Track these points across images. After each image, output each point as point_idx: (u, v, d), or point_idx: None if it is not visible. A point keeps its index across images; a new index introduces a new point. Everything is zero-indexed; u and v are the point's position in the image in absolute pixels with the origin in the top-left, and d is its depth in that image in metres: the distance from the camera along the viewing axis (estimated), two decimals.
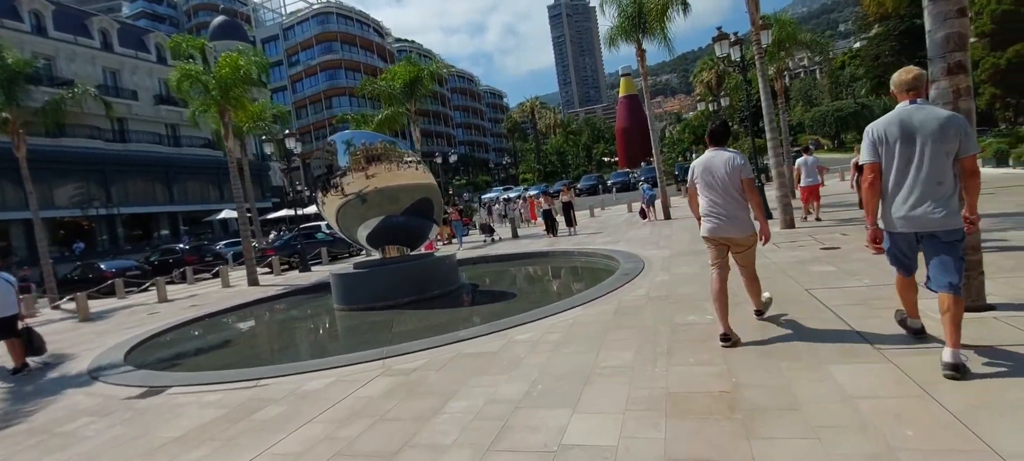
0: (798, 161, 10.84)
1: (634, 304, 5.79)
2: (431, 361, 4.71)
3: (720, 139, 4.23)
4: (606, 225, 17.80)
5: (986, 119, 50.03)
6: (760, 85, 10.17)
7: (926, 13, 4.06)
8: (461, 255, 14.58)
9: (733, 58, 12.89)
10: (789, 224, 10.00)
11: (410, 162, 9.20)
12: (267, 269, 17.78)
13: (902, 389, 2.88)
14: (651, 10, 15.45)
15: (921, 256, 3.30)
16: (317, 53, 73.57)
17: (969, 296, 3.81)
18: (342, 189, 9.16)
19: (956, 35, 3.91)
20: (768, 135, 10.18)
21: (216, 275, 18.24)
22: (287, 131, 18.34)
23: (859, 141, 3.60)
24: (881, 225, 3.28)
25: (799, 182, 10.66)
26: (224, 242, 26.65)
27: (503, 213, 20.54)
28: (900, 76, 3.23)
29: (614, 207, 26.95)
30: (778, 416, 2.77)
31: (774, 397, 3.00)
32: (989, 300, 4.03)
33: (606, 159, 76.64)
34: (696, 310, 5.19)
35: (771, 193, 12.45)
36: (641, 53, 17.01)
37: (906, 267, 3.37)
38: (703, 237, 4.26)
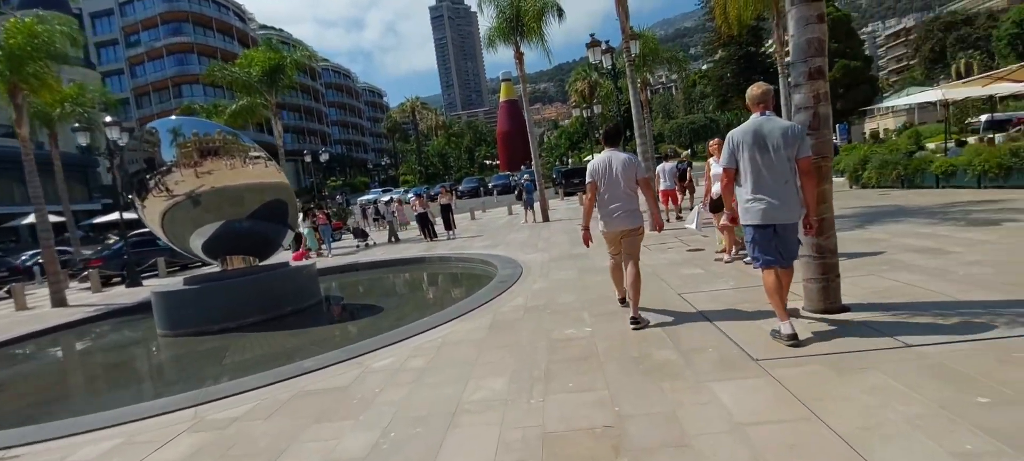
0: (657, 168, 11.43)
1: (510, 317, 5.30)
2: (260, 405, 3.74)
3: (614, 140, 4.61)
4: (486, 228, 17.43)
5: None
6: (631, 92, 10.42)
7: (789, 18, 4.08)
8: (329, 263, 13.20)
9: (604, 66, 13.23)
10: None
11: (256, 158, 7.85)
12: (87, 285, 14.62)
13: (789, 410, 2.66)
14: (528, 12, 15.41)
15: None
16: (163, 34, 64.51)
17: (828, 299, 4.10)
18: (168, 189, 7.53)
19: (816, 40, 3.95)
20: (637, 141, 10.46)
21: (8, 295, 14.60)
22: (107, 119, 15.25)
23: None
24: (742, 217, 3.76)
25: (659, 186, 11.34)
26: (32, 252, 21.69)
27: (379, 216, 19.17)
28: (752, 91, 3.71)
29: (495, 209, 26.83)
30: (668, 458, 2.38)
31: (661, 430, 2.63)
32: (843, 301, 4.19)
33: (488, 162, 77.31)
34: (575, 322, 4.83)
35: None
36: (519, 55, 16.95)
37: (770, 259, 3.67)
38: (602, 232, 4.69)
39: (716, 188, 6.57)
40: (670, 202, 11.41)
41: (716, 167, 6.45)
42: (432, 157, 73.35)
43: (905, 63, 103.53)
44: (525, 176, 17.66)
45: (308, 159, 30.71)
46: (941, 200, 9.92)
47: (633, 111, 10.24)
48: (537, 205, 17.36)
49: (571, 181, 32.10)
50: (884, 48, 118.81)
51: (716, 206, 6.86)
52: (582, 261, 8.07)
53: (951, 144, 16.89)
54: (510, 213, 21.91)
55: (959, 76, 64.53)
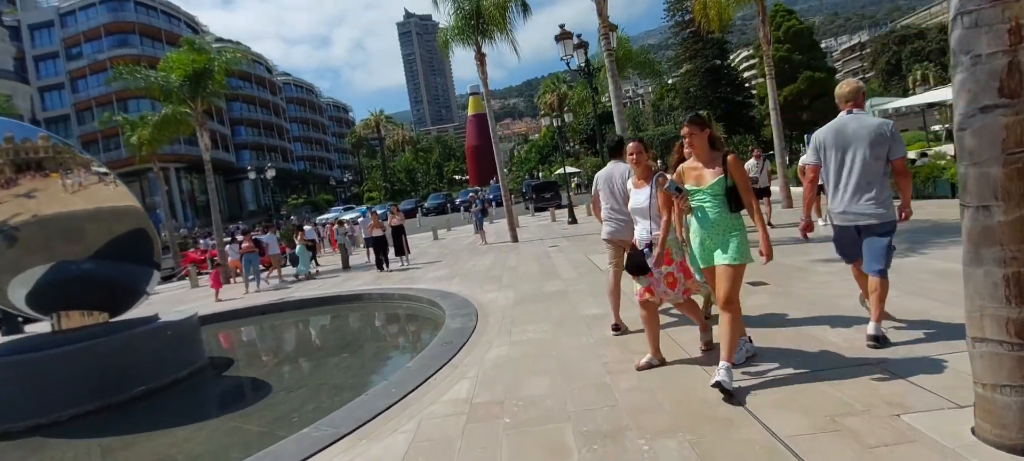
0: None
1: (442, 434, 3.20)
2: None
3: (617, 153, 4.61)
4: (447, 251, 15.34)
5: (768, 146, 59.70)
6: (611, 88, 8.59)
7: None
8: (246, 301, 10.87)
9: (576, 64, 11.45)
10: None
11: (99, 175, 5.60)
12: None
13: None
14: (490, 6, 13.55)
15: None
16: (107, 45, 60.52)
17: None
18: None
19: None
20: None
21: None
22: None
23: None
24: (816, 219, 4.34)
25: None
26: None
27: (319, 238, 16.74)
28: (840, 89, 3.67)
29: (461, 228, 24.76)
30: None
31: None
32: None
33: (457, 177, 75.22)
34: (552, 453, 2.77)
35: None
36: (481, 57, 15.08)
37: (849, 255, 3.73)
38: (604, 239, 4.73)
39: None
40: None
41: None
42: (398, 173, 70.80)
43: (862, 76, 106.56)
44: (470, 194, 15.66)
45: (251, 176, 27.85)
46: None
47: (615, 110, 8.43)
48: (503, 223, 15.40)
49: (541, 196, 30.34)
50: (841, 62, 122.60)
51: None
52: (558, 304, 6.09)
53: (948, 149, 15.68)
54: (476, 232, 19.87)
55: (917, 86, 66.39)
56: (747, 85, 72.02)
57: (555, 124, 23.65)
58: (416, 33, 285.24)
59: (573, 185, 46.68)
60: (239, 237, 13.46)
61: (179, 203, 58.37)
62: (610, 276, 4.75)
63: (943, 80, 64.26)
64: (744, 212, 3.21)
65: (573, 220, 19.95)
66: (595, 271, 7.88)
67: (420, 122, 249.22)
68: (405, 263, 12.74)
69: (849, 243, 3.64)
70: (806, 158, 3.84)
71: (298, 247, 14.34)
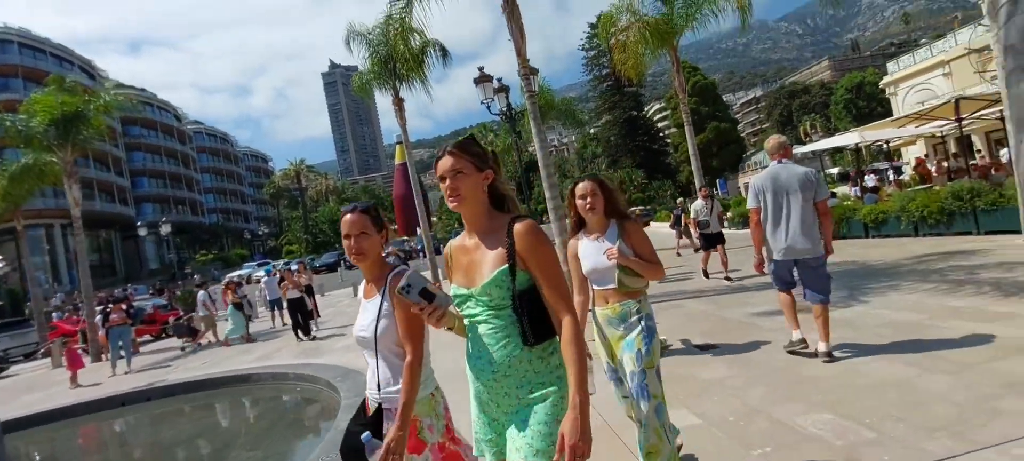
0: None
1: None
2: None
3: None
4: None
5: (686, 191, 63.17)
6: (534, 131, 8.00)
7: None
8: (106, 388, 8.93)
9: (496, 110, 10.92)
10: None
11: None
12: None
13: None
14: (403, 54, 12.86)
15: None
16: None
17: None
18: None
19: None
20: (546, 193, 7.96)
21: None
22: None
23: None
24: (764, 255, 4.22)
25: None
26: None
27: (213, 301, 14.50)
28: (769, 143, 4.24)
29: None
30: None
31: None
32: None
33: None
34: None
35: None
36: (398, 102, 14.31)
37: (786, 285, 4.21)
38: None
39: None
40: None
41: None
42: (321, 224, 67.40)
43: (759, 127, 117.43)
44: (390, 247, 14.52)
45: (143, 233, 24.75)
46: (899, 254, 8.45)
47: (539, 154, 7.78)
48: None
49: None
50: (740, 114, 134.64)
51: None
52: None
53: (851, 190, 16.66)
54: None
55: (806, 137, 73.61)
56: (662, 134, 76.62)
57: None
58: (342, 83, 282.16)
59: None
60: (110, 307, 11.31)
61: (64, 264, 51.59)
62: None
63: (828, 131, 71.99)
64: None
65: None
66: None
67: (347, 171, 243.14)
68: (316, 330, 11.09)
69: (786, 274, 4.14)
70: (749, 203, 4.23)
71: (230, 308, 12.26)
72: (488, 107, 10.49)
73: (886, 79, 36.18)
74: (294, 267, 14.87)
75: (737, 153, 65.00)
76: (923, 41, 55.50)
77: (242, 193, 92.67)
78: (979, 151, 25.49)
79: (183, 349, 12.16)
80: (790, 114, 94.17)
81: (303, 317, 10.46)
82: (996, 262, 6.56)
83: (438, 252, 42.86)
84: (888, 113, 39.21)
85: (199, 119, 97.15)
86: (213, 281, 14.84)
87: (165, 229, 24.81)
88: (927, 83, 32.25)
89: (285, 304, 11.08)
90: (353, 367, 6.75)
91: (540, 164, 7.92)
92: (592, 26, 70.78)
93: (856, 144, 14.92)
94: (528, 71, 8.44)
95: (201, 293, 14.05)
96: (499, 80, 11.05)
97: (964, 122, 9.99)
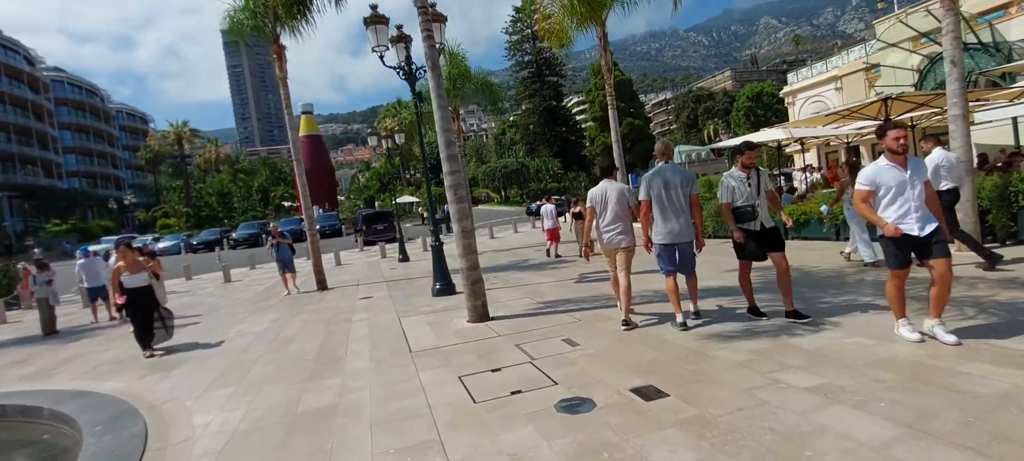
0: (541, 208, 13.45)
1: None
2: None
3: (610, 173, 5.50)
4: (225, 302, 11.33)
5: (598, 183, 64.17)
6: (433, 90, 6.14)
7: None
8: None
9: (392, 62, 8.86)
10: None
11: None
12: None
13: None
14: None
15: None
16: None
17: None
18: None
19: None
20: (445, 170, 6.16)
21: None
22: None
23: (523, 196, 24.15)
24: (653, 238, 5.04)
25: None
26: None
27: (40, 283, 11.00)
28: (659, 147, 5.26)
29: (270, 265, 20.11)
30: None
31: None
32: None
33: (286, 203, 66.82)
34: None
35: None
36: (278, 50, 11.77)
37: (671, 264, 5.00)
38: (601, 249, 5.48)
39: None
40: (553, 239, 13.14)
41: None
42: (208, 196, 60.16)
43: (668, 127, 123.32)
44: (265, 226, 11.99)
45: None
46: (836, 261, 7.66)
47: (437, 116, 5.94)
48: (307, 266, 11.97)
49: (373, 227, 26.83)
50: (652, 114, 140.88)
51: None
52: (312, 444, 3.28)
53: None
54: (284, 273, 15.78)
55: (710, 139, 77.94)
56: (579, 127, 77.28)
57: (384, 145, 20.65)
58: (246, 44, 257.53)
59: (421, 214, 43.65)
60: None
61: None
62: (612, 278, 5.56)
63: (730, 134, 76.75)
64: None
65: (404, 257, 17.12)
66: (400, 355, 5.20)
67: (247, 141, 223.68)
68: (165, 328, 7.99)
69: (669, 257, 4.98)
70: (640, 196, 5.02)
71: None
72: (381, 58, 8.43)
73: (785, 89, 38.24)
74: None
75: (649, 149, 67.11)
76: (808, 61, 60.27)
77: (114, 156, 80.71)
78: (863, 160, 27.27)
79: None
80: (696, 117, 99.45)
81: (150, 316, 6.88)
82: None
83: (338, 231, 38.58)
84: (783, 121, 41.48)
85: (62, 66, 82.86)
86: (39, 263, 11.30)
87: None
88: (821, 96, 34.38)
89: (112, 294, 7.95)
90: (135, 404, 4.58)
91: (438, 130, 6.10)
92: (517, 9, 69.49)
93: (779, 141, 14.62)
94: (431, 19, 6.53)
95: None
96: (400, 28, 8.99)
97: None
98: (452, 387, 3.99)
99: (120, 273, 6.78)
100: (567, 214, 17.14)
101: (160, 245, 31.92)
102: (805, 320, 4.62)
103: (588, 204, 5.45)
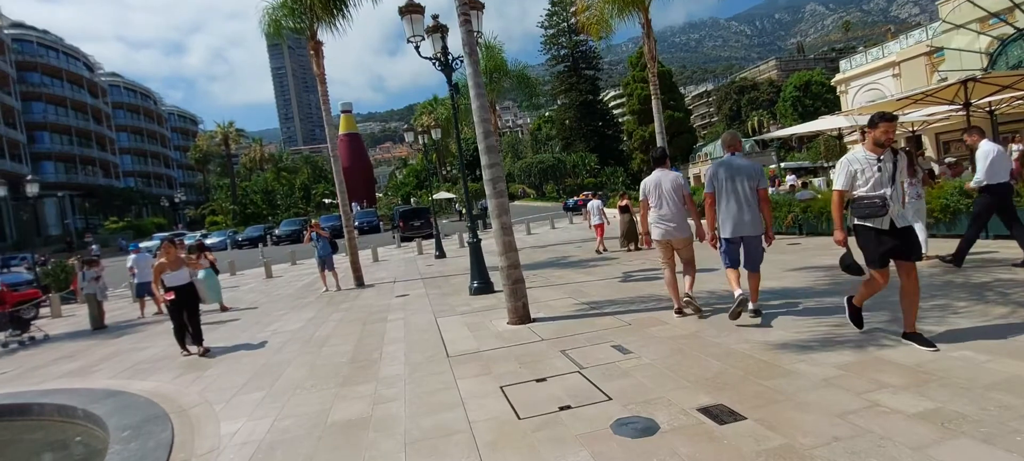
0: (589, 204, 13.23)
1: None
2: None
3: (661, 161, 5.33)
4: (263, 300, 11.38)
5: (637, 180, 62.72)
6: (470, 76, 5.78)
7: None
8: None
9: (428, 53, 8.57)
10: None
11: None
12: None
13: None
14: None
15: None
16: None
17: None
18: None
19: None
20: (484, 160, 5.80)
21: None
22: None
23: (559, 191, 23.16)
24: (719, 232, 4.81)
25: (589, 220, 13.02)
26: None
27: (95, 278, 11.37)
28: (725, 138, 5.00)
29: (311, 261, 20.39)
30: None
31: None
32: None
33: (327, 200, 68.41)
34: None
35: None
36: (315, 46, 11.72)
37: (734, 261, 4.81)
38: (655, 240, 5.27)
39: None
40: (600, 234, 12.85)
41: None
42: (253, 194, 62.13)
43: (709, 120, 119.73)
44: (301, 223, 11.88)
45: (30, 190, 20.41)
46: None
47: (474, 105, 5.59)
48: (344, 264, 11.90)
49: (410, 224, 26.88)
50: (692, 106, 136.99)
51: None
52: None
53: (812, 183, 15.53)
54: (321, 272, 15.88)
55: (754, 132, 75.00)
56: (616, 121, 75.79)
57: (421, 141, 20.51)
58: (287, 46, 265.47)
59: (459, 210, 43.68)
60: None
61: None
62: (666, 273, 5.33)
63: (778, 125, 73.61)
64: None
65: (441, 254, 16.96)
66: (437, 360, 4.88)
67: (290, 141, 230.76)
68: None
69: (734, 252, 4.82)
70: (706, 188, 4.87)
71: (203, 272, 9.38)
72: (417, 49, 8.15)
73: (838, 77, 36.24)
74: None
75: (689, 142, 65.03)
76: (859, 48, 56.71)
77: (166, 156, 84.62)
78: (926, 152, 25.41)
79: (4, 345, 9.23)
80: (739, 109, 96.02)
81: (192, 315, 6.53)
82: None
83: (376, 228, 39.11)
84: (834, 110, 39.34)
85: (118, 71, 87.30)
86: (87, 260, 11.73)
87: (32, 189, 20.48)
88: (877, 83, 32.35)
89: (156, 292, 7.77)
90: (160, 408, 4.43)
91: (475, 120, 5.75)
92: (553, 2, 68.67)
93: (840, 129, 13.60)
94: (468, 6, 6.17)
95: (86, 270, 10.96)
96: (436, 18, 8.69)
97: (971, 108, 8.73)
98: (493, 400, 3.62)
99: (162, 270, 6.60)
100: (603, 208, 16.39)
101: (208, 241, 33.16)
102: (930, 347, 3.59)
103: (641, 195, 5.27)
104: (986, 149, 5.81)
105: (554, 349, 4.66)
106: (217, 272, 11.37)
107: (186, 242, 16.20)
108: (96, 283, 10.66)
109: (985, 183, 5.78)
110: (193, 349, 6.57)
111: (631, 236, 12.35)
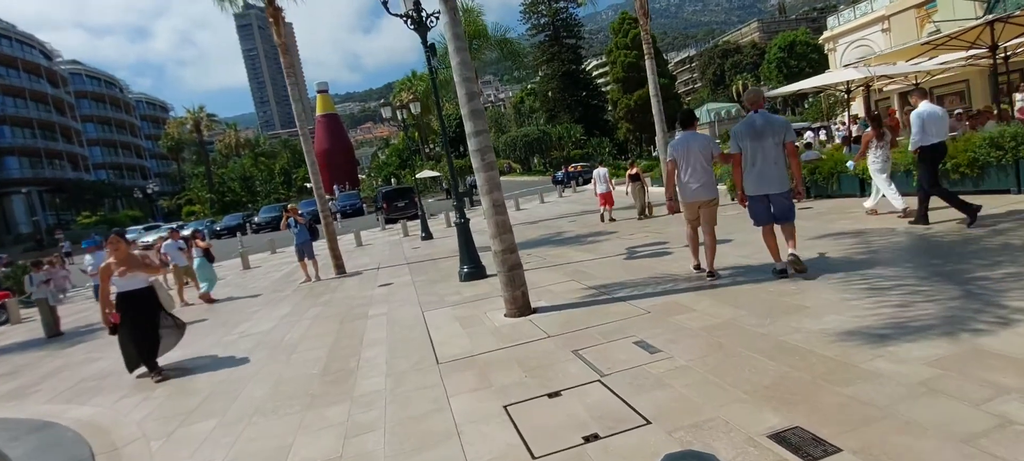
0: (594, 172, 12.52)
1: None
2: None
3: (689, 123, 5.31)
4: (240, 292, 10.47)
5: (623, 149, 61.82)
6: (448, 33, 4.86)
7: None
8: None
9: (398, 8, 7.56)
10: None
11: None
12: None
13: None
14: None
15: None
16: None
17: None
18: None
19: None
20: (469, 128, 4.94)
21: None
22: None
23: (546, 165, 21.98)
24: (746, 190, 4.90)
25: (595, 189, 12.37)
26: None
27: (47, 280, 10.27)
28: (748, 96, 5.04)
29: (290, 247, 19.37)
30: None
31: None
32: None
33: (308, 185, 66.60)
34: None
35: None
36: (274, 13, 10.58)
37: (764, 218, 4.87)
38: (684, 202, 5.26)
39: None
40: (606, 203, 12.08)
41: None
42: (231, 181, 60.16)
43: (692, 86, 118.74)
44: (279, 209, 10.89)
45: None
46: (943, 218, 6.24)
47: (455, 61, 4.70)
48: (324, 251, 11.00)
49: (394, 205, 25.86)
50: (676, 72, 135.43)
51: None
52: None
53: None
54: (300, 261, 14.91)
55: (738, 96, 74.34)
56: (601, 91, 74.49)
57: (400, 117, 19.37)
58: (257, 26, 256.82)
59: (445, 188, 42.45)
60: None
61: None
62: (688, 230, 5.44)
63: (766, 87, 73.03)
64: None
65: (427, 235, 16.09)
66: (425, 368, 4.10)
67: (268, 125, 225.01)
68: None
69: (763, 210, 4.85)
70: (730, 148, 4.94)
71: (198, 259, 10.25)
72: (385, 4, 7.16)
73: (825, 35, 35.46)
74: (149, 239, 11.04)
75: (674, 109, 63.89)
76: (839, 6, 55.83)
77: (138, 146, 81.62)
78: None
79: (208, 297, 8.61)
80: (723, 73, 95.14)
81: (147, 332, 5.23)
82: None
83: (360, 211, 37.75)
84: (820, 70, 38.69)
85: (78, 59, 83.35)
86: (35, 262, 10.80)
87: None
88: (866, 39, 31.68)
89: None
90: (86, 436, 3.60)
91: (457, 80, 4.86)
92: None
93: (848, 82, 12.79)
94: None
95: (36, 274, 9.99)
96: None
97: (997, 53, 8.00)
98: (497, 426, 2.86)
99: (110, 273, 5.14)
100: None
101: (184, 232, 31.68)
102: None
103: (668, 156, 5.26)
104: (918, 111, 6.00)
105: (564, 349, 3.90)
106: (212, 260, 10.64)
107: (182, 232, 15.02)
108: (47, 286, 9.69)
109: (920, 145, 5.95)
110: (156, 376, 5.13)
111: (642, 206, 11.77)
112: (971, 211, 5.63)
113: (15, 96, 58.13)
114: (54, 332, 9.52)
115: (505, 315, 5.11)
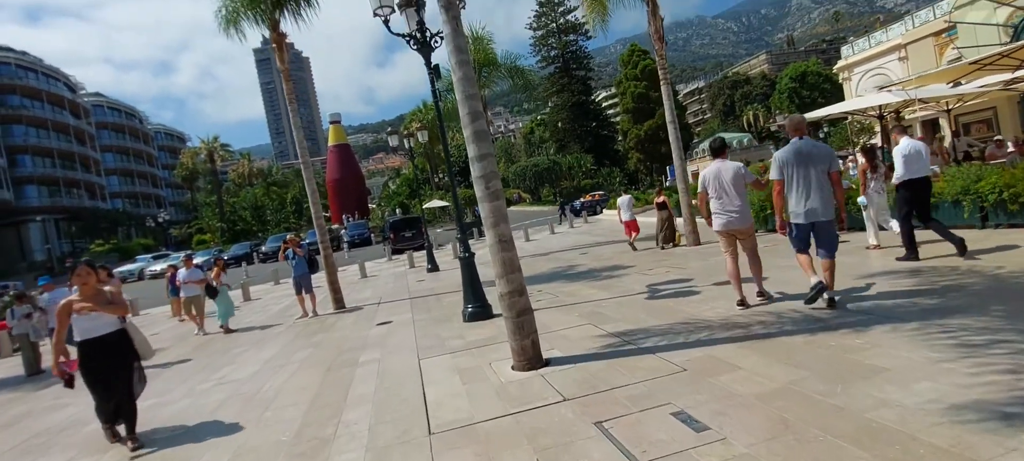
0: (619, 200, 12.87)
1: None
2: None
3: (720, 152, 5.42)
4: (235, 327, 9.83)
5: (633, 179, 61.25)
6: (449, 47, 4.28)
7: None
8: None
9: (399, 29, 7.08)
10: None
11: None
12: None
13: None
14: None
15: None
16: None
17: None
18: None
19: None
20: (471, 152, 4.32)
21: None
22: None
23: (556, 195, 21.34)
24: (788, 219, 4.83)
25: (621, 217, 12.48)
26: None
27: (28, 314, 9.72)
28: (791, 123, 4.92)
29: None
30: None
31: None
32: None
33: (326, 214, 66.71)
34: None
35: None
36: (278, 39, 10.24)
37: (804, 245, 4.76)
38: (717, 231, 5.28)
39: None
40: (631, 230, 12.05)
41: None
42: (242, 210, 60.35)
43: (702, 116, 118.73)
44: (293, 252, 10.17)
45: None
46: (1011, 257, 5.46)
47: (457, 78, 4.12)
48: (323, 285, 10.38)
49: (401, 235, 25.32)
50: (686, 103, 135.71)
51: None
52: None
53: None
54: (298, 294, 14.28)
55: (749, 126, 73.84)
56: (611, 122, 74.49)
57: (407, 145, 18.98)
58: (241, 35, 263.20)
59: (453, 218, 42.11)
60: None
61: None
62: (728, 262, 5.27)
63: (770, 119, 72.56)
64: None
65: (433, 267, 15.45)
66: (413, 443, 3.38)
67: (282, 155, 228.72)
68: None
69: (805, 237, 4.76)
70: (773, 175, 4.83)
71: (220, 289, 9.97)
72: (386, 23, 6.70)
73: (840, 63, 35.02)
74: (157, 269, 10.43)
75: (685, 140, 63.66)
76: (849, 38, 55.54)
77: (154, 176, 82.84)
78: (942, 134, 24.09)
79: (221, 327, 8.15)
80: (733, 104, 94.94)
81: (118, 384, 4.28)
82: None
83: (368, 240, 37.34)
84: (832, 101, 38.09)
85: (101, 91, 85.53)
86: (18, 295, 10.33)
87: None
88: (883, 67, 31.15)
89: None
90: None
91: (459, 99, 4.28)
92: (541, 4, 67.37)
93: (879, 107, 12.14)
94: None
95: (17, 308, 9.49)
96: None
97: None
98: None
99: (69, 312, 4.16)
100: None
101: (196, 260, 31.31)
102: None
103: (700, 186, 5.30)
104: (901, 147, 6.07)
105: (584, 419, 3.16)
106: (213, 294, 10.12)
107: (194, 260, 14.06)
108: (28, 321, 9.12)
109: (905, 178, 6.01)
110: (124, 438, 4.28)
111: (669, 236, 11.40)
112: (961, 245, 5.73)
113: (38, 126, 59.38)
114: (35, 370, 8.93)
115: (512, 368, 4.39)
